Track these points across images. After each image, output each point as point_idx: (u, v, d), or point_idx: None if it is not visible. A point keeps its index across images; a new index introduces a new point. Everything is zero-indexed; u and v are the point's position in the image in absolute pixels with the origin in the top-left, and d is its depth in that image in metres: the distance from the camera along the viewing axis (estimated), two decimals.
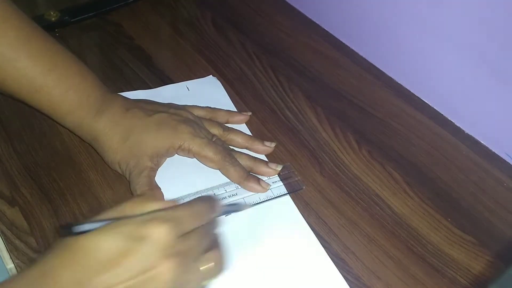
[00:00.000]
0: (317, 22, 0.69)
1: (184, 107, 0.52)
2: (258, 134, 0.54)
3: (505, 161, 0.53)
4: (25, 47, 0.45)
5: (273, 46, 0.66)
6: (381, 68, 0.63)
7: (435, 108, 0.58)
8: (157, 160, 0.47)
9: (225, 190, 0.47)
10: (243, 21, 0.69)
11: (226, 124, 0.53)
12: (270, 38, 0.67)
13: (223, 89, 0.59)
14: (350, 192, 0.49)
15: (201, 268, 0.34)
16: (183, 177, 0.49)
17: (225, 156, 0.48)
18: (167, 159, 0.49)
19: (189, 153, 0.48)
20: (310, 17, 0.70)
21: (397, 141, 0.55)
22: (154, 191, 0.46)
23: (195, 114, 0.52)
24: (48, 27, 0.64)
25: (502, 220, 0.48)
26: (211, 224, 0.36)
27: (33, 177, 0.49)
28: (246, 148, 0.52)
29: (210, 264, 0.34)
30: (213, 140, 0.49)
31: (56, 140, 0.52)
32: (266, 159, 0.51)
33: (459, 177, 0.51)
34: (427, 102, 0.59)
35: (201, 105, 0.54)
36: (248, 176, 0.48)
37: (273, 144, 0.52)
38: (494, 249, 0.45)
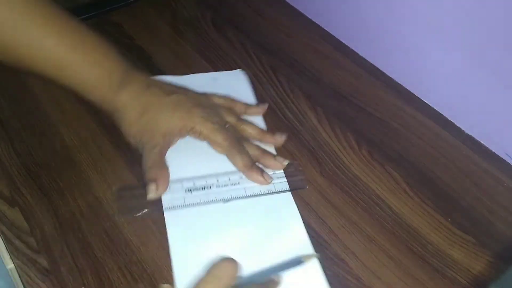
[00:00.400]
0: (317, 23, 0.69)
1: (204, 94, 0.54)
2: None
3: (505, 161, 0.53)
4: (51, 26, 0.46)
5: (273, 46, 0.66)
6: (381, 68, 0.63)
7: (435, 108, 0.58)
8: (169, 138, 0.49)
9: (229, 178, 0.49)
10: (243, 21, 0.69)
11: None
12: (270, 38, 0.67)
13: (248, 84, 0.60)
14: (350, 192, 0.49)
15: None
16: (192, 159, 0.50)
17: (234, 143, 0.49)
18: (180, 140, 0.51)
19: (199, 135, 0.49)
20: (311, 18, 0.70)
21: (397, 141, 0.55)
22: (162, 171, 0.47)
23: (214, 102, 0.53)
24: None
25: (502, 220, 0.48)
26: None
27: (33, 177, 0.49)
28: (258, 139, 0.52)
29: None
30: (226, 127, 0.50)
31: (56, 140, 0.52)
32: (276, 153, 0.52)
33: (459, 177, 0.51)
34: (427, 103, 0.59)
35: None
36: (253, 166, 0.49)
37: (283, 137, 0.53)
38: (494, 249, 0.45)
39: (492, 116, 0.53)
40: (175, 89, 0.51)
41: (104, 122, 0.54)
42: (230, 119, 0.52)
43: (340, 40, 0.67)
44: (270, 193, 0.48)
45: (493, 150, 0.54)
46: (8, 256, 0.45)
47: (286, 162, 0.50)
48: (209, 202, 0.47)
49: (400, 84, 0.61)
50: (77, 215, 0.46)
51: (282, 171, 0.50)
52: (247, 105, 0.56)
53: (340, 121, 0.56)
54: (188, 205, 0.47)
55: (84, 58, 0.48)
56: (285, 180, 0.49)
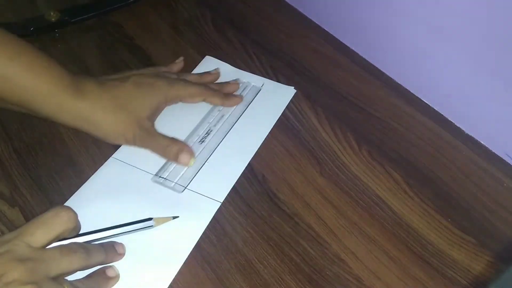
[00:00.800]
0: (317, 23, 0.69)
1: (137, 70, 0.56)
2: None
3: (505, 161, 0.53)
4: None
5: (273, 46, 0.66)
6: (381, 69, 0.63)
7: (435, 108, 0.58)
8: (153, 117, 0.51)
9: (213, 116, 0.55)
10: (243, 21, 0.69)
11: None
12: (270, 38, 0.67)
13: (287, 102, 0.59)
14: (350, 192, 0.49)
15: None
16: (178, 123, 0.53)
17: (204, 86, 0.55)
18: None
19: (176, 99, 0.53)
20: (310, 17, 0.70)
21: (397, 142, 0.54)
22: (174, 142, 0.50)
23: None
24: (49, 28, 0.65)
25: (502, 221, 0.48)
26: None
27: (33, 177, 0.49)
28: (201, 82, 0.57)
29: None
30: (182, 78, 0.54)
31: (56, 140, 0.52)
32: None
33: (459, 177, 0.51)
34: (427, 103, 0.59)
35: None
36: (225, 95, 0.56)
37: (218, 69, 0.60)
38: (494, 250, 0.45)
39: (492, 117, 0.53)
40: (124, 75, 0.53)
41: None
42: (175, 76, 0.55)
43: (340, 40, 0.67)
44: (248, 104, 0.57)
45: (493, 150, 0.54)
46: None
47: (238, 81, 0.58)
48: (225, 136, 0.53)
49: (400, 84, 0.61)
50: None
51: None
52: (167, 66, 0.59)
53: (340, 121, 0.56)
54: (215, 148, 0.52)
55: (28, 65, 0.46)
56: (246, 92, 0.58)
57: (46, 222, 0.37)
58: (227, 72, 0.61)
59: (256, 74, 0.61)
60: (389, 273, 0.43)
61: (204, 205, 0.47)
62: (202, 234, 0.45)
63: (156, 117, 0.52)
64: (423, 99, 0.59)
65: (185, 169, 0.50)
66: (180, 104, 0.55)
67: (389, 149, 0.54)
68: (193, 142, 0.52)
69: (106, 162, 0.50)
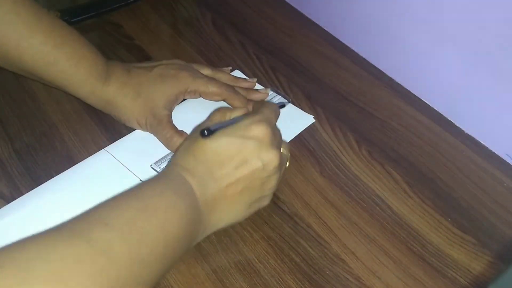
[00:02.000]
0: (317, 23, 0.69)
1: (169, 60, 0.57)
2: None
3: (505, 161, 0.53)
4: (37, 24, 0.48)
5: (273, 47, 0.66)
6: (381, 69, 0.63)
7: (435, 108, 0.58)
8: (170, 107, 0.52)
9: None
10: (243, 21, 0.69)
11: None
12: (270, 38, 0.67)
13: (303, 129, 0.57)
14: (350, 192, 0.49)
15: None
16: (195, 118, 0.51)
17: (227, 87, 0.54)
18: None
19: (195, 93, 0.54)
20: (310, 18, 0.70)
21: (397, 141, 0.55)
22: (180, 132, 0.51)
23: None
24: None
25: (502, 220, 0.48)
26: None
27: (33, 177, 0.49)
28: (234, 85, 0.57)
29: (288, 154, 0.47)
30: (209, 76, 0.55)
31: (56, 140, 0.52)
32: None
33: (459, 177, 0.51)
34: (427, 103, 0.59)
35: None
36: (249, 101, 0.55)
37: (254, 80, 0.59)
38: (494, 250, 0.45)
39: (492, 116, 0.53)
40: (151, 64, 0.55)
41: (104, 122, 0.54)
42: (205, 71, 0.56)
43: (340, 40, 0.67)
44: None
45: (493, 150, 0.54)
46: None
47: (268, 90, 0.58)
48: None
49: (400, 84, 0.61)
50: None
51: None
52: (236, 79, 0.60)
53: (340, 121, 0.56)
54: None
55: (71, 54, 0.49)
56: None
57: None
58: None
59: (256, 74, 0.61)
60: (389, 273, 0.43)
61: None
62: None
63: (174, 106, 0.53)
64: (423, 99, 0.59)
65: None
66: (200, 103, 0.55)
67: (389, 149, 0.54)
68: None
69: (97, 153, 0.51)
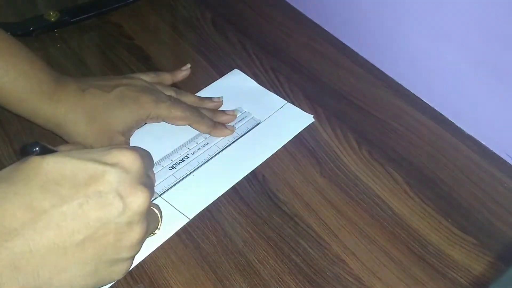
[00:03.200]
0: (317, 23, 0.69)
1: (133, 76, 0.54)
2: None
3: (506, 161, 0.53)
4: None
5: (273, 47, 0.65)
6: (381, 69, 0.63)
7: (435, 108, 0.58)
8: (128, 133, 0.49)
9: (196, 143, 0.52)
10: (243, 21, 0.69)
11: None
12: (270, 38, 0.67)
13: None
14: (350, 192, 0.49)
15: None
16: (155, 143, 0.51)
17: (192, 111, 0.51)
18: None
19: (157, 119, 0.50)
20: (311, 17, 0.70)
21: (397, 142, 0.54)
22: None
23: (147, 80, 0.54)
24: (48, 27, 0.64)
25: (503, 221, 0.48)
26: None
27: None
28: (198, 106, 0.55)
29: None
30: (173, 98, 0.52)
31: (55, 141, 0.52)
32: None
33: (459, 178, 0.51)
34: (428, 103, 0.59)
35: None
36: (215, 124, 0.52)
37: (220, 98, 0.57)
38: (495, 250, 0.45)
39: (492, 116, 0.53)
40: (109, 82, 0.50)
41: None
42: (169, 92, 0.53)
43: (341, 40, 0.67)
44: (237, 138, 0.53)
45: (494, 151, 0.54)
46: None
47: (237, 113, 0.55)
48: (197, 168, 0.50)
49: (400, 84, 0.61)
50: None
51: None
52: (172, 73, 0.58)
53: (340, 121, 0.56)
54: (181, 178, 0.49)
55: (7, 68, 0.45)
56: (242, 124, 0.55)
57: None
58: (251, 88, 0.59)
59: (256, 74, 0.61)
60: (389, 274, 0.43)
61: (172, 218, 0.46)
62: (202, 235, 0.45)
63: (132, 133, 0.50)
64: (423, 99, 0.59)
65: (165, 177, 0.49)
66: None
67: (389, 149, 0.53)
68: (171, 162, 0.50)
69: None
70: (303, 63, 0.63)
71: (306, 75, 0.62)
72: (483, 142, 0.55)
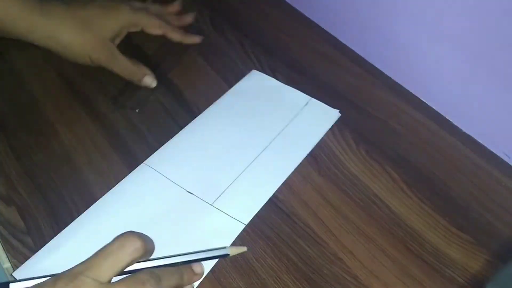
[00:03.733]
0: (316, 22, 0.69)
1: None
2: None
3: (504, 160, 0.53)
4: None
5: (272, 46, 0.65)
6: (380, 68, 0.63)
7: (433, 107, 0.58)
8: (116, 41, 0.54)
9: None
10: (242, 21, 0.69)
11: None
12: (269, 38, 0.67)
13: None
14: (348, 191, 0.49)
15: None
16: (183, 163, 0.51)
17: (165, 22, 0.58)
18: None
19: (136, 27, 0.57)
20: (310, 17, 0.70)
21: (395, 141, 0.54)
22: (140, 65, 0.54)
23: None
24: None
25: (500, 220, 0.47)
26: None
27: (30, 176, 0.49)
28: (164, 13, 0.62)
29: None
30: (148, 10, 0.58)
31: (53, 139, 0.52)
32: None
33: (457, 177, 0.51)
34: (426, 102, 0.59)
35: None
36: (186, 33, 0.60)
37: (180, 0, 0.64)
38: (492, 249, 0.45)
39: (490, 116, 0.53)
40: None
41: (101, 120, 0.54)
42: (139, 5, 0.59)
43: (340, 40, 0.67)
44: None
45: (492, 150, 0.54)
46: (5, 255, 0.45)
47: (193, 14, 0.63)
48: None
49: (399, 84, 0.61)
50: (74, 214, 0.46)
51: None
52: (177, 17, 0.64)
53: (338, 120, 0.56)
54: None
55: None
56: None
57: (112, 254, 0.35)
58: (273, 87, 0.59)
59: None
60: (387, 272, 0.43)
61: (229, 225, 0.46)
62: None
63: (118, 41, 0.55)
64: (421, 98, 0.59)
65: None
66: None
67: (387, 148, 0.53)
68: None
69: (137, 169, 0.49)
70: (302, 63, 0.63)
71: (305, 74, 0.62)
72: (480, 141, 0.55)
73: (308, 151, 0.52)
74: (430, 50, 0.56)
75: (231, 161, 0.51)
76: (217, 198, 0.47)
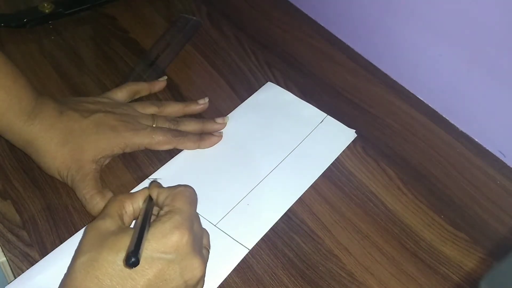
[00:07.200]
0: (313, 18, 0.69)
1: (110, 99, 0.52)
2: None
3: (499, 158, 0.53)
4: None
5: (269, 41, 0.65)
6: (376, 65, 0.63)
7: (429, 105, 0.58)
8: (101, 161, 0.47)
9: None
10: (239, 16, 0.69)
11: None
12: (266, 33, 0.67)
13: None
14: (344, 188, 0.49)
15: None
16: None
17: (174, 133, 0.50)
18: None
19: (139, 147, 0.49)
20: (307, 13, 0.70)
21: (391, 138, 0.55)
22: (104, 192, 0.45)
23: (122, 101, 0.53)
24: (42, 19, 0.64)
25: (495, 217, 0.48)
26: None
27: (26, 170, 0.49)
28: (184, 113, 0.54)
29: None
30: (155, 122, 0.50)
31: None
32: None
33: (452, 174, 0.51)
34: (422, 99, 0.59)
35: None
36: (201, 137, 0.51)
37: (206, 100, 0.55)
38: (487, 246, 0.45)
39: (486, 114, 0.54)
40: (89, 108, 0.49)
41: None
42: (150, 110, 0.52)
43: (336, 35, 0.66)
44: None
45: (487, 148, 0.54)
46: (0, 249, 0.44)
47: (226, 119, 0.54)
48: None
49: (395, 81, 0.61)
50: (70, 208, 0.46)
51: None
52: (149, 84, 0.57)
53: (334, 116, 0.56)
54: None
55: None
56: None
57: None
58: (288, 102, 0.57)
59: (252, 69, 0.61)
60: (382, 269, 0.43)
61: (232, 249, 0.44)
62: None
63: (107, 161, 0.49)
64: (418, 96, 0.59)
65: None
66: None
67: (383, 145, 0.54)
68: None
69: (142, 183, 0.48)
70: (299, 58, 0.63)
71: (301, 70, 0.62)
72: (476, 139, 0.55)
73: (321, 173, 0.50)
74: (427, 47, 0.56)
75: (240, 179, 0.49)
76: (221, 219, 0.45)
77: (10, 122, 0.45)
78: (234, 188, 0.48)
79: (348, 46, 0.65)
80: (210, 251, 0.41)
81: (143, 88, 0.56)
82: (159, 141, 0.49)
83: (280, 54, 0.64)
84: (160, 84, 0.57)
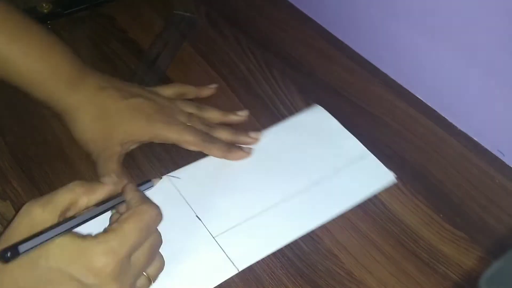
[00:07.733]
0: (312, 17, 0.69)
1: (155, 92, 0.52)
2: (252, 128, 0.53)
3: (497, 157, 0.53)
4: None
5: (268, 41, 0.65)
6: (375, 64, 0.63)
7: (428, 104, 0.58)
8: (128, 146, 0.48)
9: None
10: (237, 15, 0.69)
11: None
12: (265, 32, 0.67)
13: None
14: None
15: None
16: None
17: (204, 137, 0.49)
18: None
19: (167, 141, 0.49)
20: (305, 12, 0.70)
21: (390, 137, 0.55)
22: (121, 178, 0.43)
23: (167, 95, 0.52)
24: (41, 19, 0.64)
25: (494, 216, 0.48)
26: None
27: (24, 170, 0.49)
28: (222, 122, 0.53)
29: None
30: (190, 121, 0.49)
31: (47, 133, 0.52)
32: None
33: (451, 173, 0.51)
34: (420, 98, 0.59)
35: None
36: (230, 148, 0.49)
37: (245, 112, 0.54)
38: (485, 245, 0.45)
39: (485, 113, 0.54)
40: (132, 91, 0.49)
41: None
42: (190, 109, 0.51)
43: (335, 35, 0.66)
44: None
45: (486, 146, 0.54)
46: None
47: (259, 135, 0.51)
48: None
49: (394, 80, 0.61)
50: None
51: None
52: (197, 88, 0.56)
53: (333, 116, 0.56)
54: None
55: (26, 51, 0.45)
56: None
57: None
58: (331, 129, 0.54)
59: (250, 68, 0.61)
60: (381, 268, 0.43)
61: (221, 265, 0.42)
62: None
63: (133, 147, 0.49)
64: (416, 95, 0.59)
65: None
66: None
67: (382, 144, 0.54)
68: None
69: (161, 179, 0.47)
70: (297, 58, 0.63)
71: (300, 70, 0.62)
72: (475, 138, 0.55)
73: (340, 212, 0.47)
74: (426, 46, 0.56)
75: (254, 198, 0.47)
76: (222, 233, 0.44)
77: (49, 92, 0.46)
78: (245, 205, 0.46)
79: (347, 46, 0.65)
80: (199, 261, 0.41)
81: (190, 91, 0.55)
82: (187, 141, 0.48)
83: (279, 53, 0.64)
84: (208, 90, 0.57)
